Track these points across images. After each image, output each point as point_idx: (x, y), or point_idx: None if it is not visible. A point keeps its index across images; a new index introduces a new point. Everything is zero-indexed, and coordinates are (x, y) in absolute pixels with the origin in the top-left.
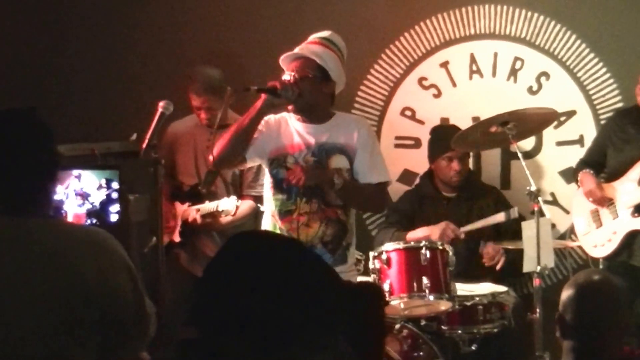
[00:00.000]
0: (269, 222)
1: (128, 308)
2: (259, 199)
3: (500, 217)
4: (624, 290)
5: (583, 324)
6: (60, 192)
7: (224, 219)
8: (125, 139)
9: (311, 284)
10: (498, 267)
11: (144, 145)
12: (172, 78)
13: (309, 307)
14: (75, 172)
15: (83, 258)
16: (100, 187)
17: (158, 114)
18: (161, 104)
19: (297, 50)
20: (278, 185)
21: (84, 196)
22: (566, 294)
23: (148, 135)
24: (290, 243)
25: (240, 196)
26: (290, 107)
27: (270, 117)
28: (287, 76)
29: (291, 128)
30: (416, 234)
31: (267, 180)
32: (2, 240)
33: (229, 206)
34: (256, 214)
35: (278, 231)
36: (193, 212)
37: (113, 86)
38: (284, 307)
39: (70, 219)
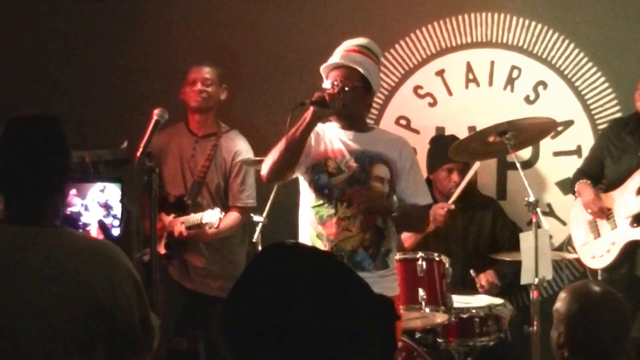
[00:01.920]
0: (308, 232)
1: (134, 321)
2: (245, 210)
3: (476, 165)
4: (625, 300)
5: (591, 339)
6: (78, 204)
7: (210, 231)
8: (115, 147)
9: (347, 296)
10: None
11: (139, 154)
12: (162, 85)
13: (346, 320)
14: (100, 184)
15: (94, 269)
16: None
17: (153, 121)
18: (156, 111)
19: (338, 58)
20: (319, 191)
21: (108, 207)
22: (568, 307)
23: (143, 143)
24: (322, 254)
25: (227, 208)
26: (333, 117)
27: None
28: (328, 85)
29: (332, 135)
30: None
31: (305, 189)
32: (14, 249)
33: (212, 219)
34: (244, 225)
35: (318, 240)
36: (178, 224)
37: (102, 93)
38: (320, 321)
39: (94, 229)
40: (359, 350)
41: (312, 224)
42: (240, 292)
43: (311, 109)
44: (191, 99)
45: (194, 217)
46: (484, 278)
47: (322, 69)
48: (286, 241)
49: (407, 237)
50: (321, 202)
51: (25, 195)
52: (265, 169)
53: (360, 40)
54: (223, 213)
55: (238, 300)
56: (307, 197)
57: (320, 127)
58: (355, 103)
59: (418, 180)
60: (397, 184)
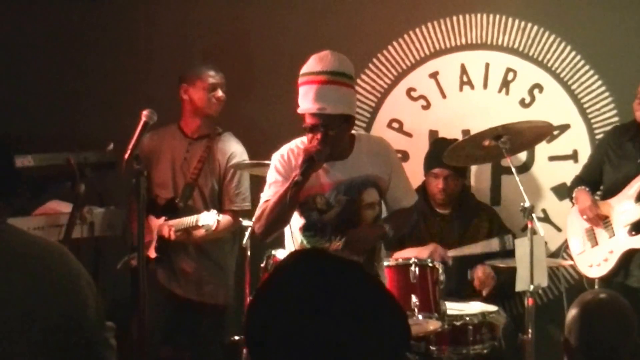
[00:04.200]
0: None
1: (90, 327)
2: (240, 214)
3: (494, 244)
4: (632, 309)
5: (591, 345)
6: None
7: (201, 233)
8: (101, 149)
9: (377, 307)
10: (485, 293)
11: (127, 156)
12: (150, 85)
13: (377, 331)
14: None
15: (51, 266)
16: None
17: (142, 123)
18: (145, 112)
19: (312, 98)
20: (311, 225)
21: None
22: (571, 314)
23: (131, 146)
24: (352, 264)
25: (222, 211)
26: None
27: (284, 155)
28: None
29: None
30: (404, 254)
31: (295, 219)
32: None
33: (209, 221)
34: (234, 230)
35: None
36: (166, 227)
37: (88, 93)
38: (350, 331)
39: None
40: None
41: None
42: (266, 298)
43: (299, 168)
44: (212, 106)
45: (188, 220)
46: (481, 269)
47: (302, 110)
48: (313, 248)
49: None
50: (312, 232)
51: None
52: (260, 229)
53: (331, 63)
54: (220, 215)
55: (263, 307)
56: (296, 218)
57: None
58: (340, 140)
59: (402, 183)
60: (386, 194)
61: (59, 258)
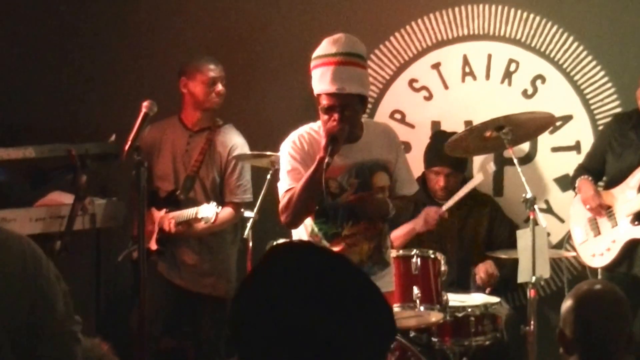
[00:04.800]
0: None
1: (59, 320)
2: (241, 206)
3: (479, 178)
4: (626, 299)
5: (587, 337)
6: None
7: (201, 225)
8: (103, 140)
9: (363, 300)
10: (487, 291)
11: (127, 147)
12: (151, 77)
13: (362, 325)
14: None
15: (20, 259)
16: None
17: (142, 114)
18: (145, 104)
19: (329, 79)
20: (323, 211)
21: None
22: (565, 306)
23: (131, 137)
24: (338, 256)
25: (222, 203)
26: None
27: (296, 142)
28: (326, 116)
29: None
30: (399, 231)
31: None
32: None
33: (208, 213)
34: (236, 223)
35: None
36: (167, 220)
37: (89, 85)
38: (335, 325)
39: None
40: (365, 356)
41: (313, 238)
42: (250, 290)
43: (322, 149)
44: (211, 100)
45: (188, 212)
46: (483, 268)
47: (319, 91)
48: (299, 240)
49: (396, 237)
50: (323, 219)
51: None
52: (289, 218)
53: (346, 45)
54: (220, 207)
55: (247, 299)
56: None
57: (315, 142)
58: (356, 121)
59: (404, 171)
60: (394, 176)
61: (28, 251)
